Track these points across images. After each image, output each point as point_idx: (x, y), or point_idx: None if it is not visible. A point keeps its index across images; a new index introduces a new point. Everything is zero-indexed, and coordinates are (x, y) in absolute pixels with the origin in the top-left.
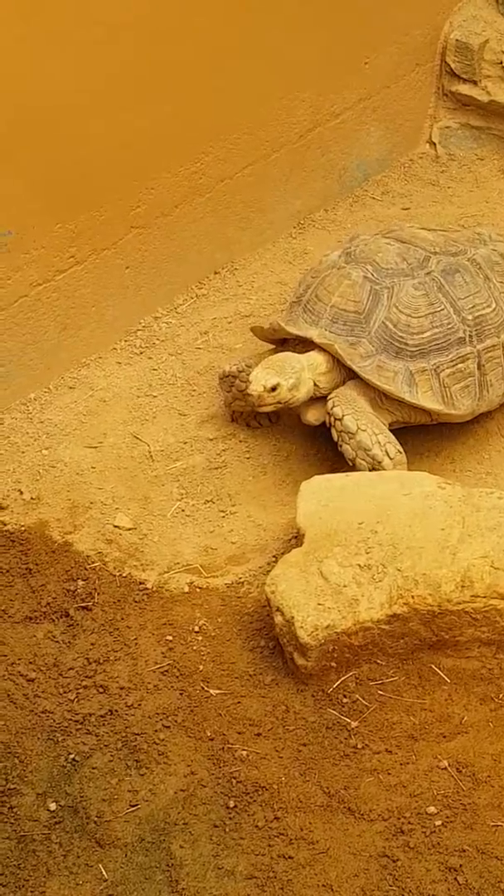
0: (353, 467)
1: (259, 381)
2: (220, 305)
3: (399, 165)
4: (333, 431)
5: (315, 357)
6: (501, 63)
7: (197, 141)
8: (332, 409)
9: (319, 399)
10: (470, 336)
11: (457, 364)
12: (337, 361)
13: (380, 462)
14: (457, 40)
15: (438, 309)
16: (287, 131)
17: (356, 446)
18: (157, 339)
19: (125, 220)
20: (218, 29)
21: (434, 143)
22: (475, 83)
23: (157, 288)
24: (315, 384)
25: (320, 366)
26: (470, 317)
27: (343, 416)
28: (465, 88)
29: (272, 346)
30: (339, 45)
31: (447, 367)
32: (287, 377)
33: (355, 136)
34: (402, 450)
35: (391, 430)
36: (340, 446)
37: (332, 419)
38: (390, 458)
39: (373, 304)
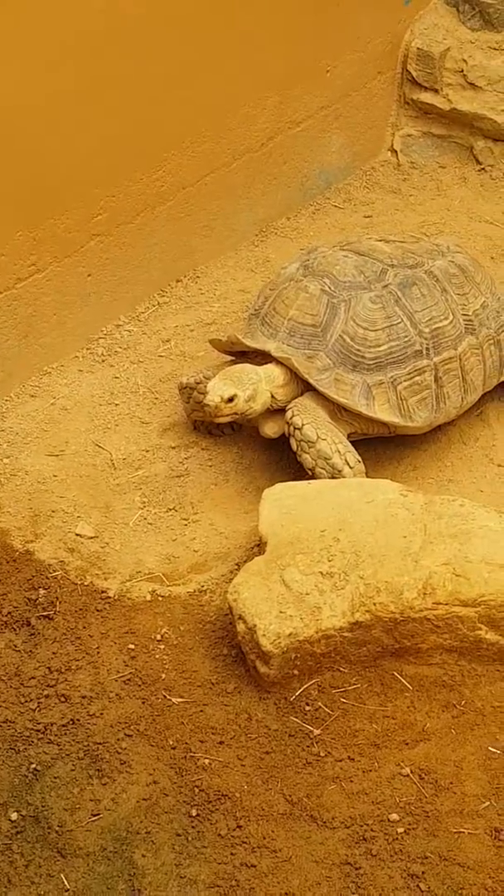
0: (312, 476)
1: (216, 392)
2: (182, 313)
3: (361, 173)
4: (293, 441)
5: (272, 370)
6: (462, 71)
7: (158, 149)
8: (291, 418)
9: (278, 412)
10: (427, 349)
11: (414, 377)
12: (294, 374)
13: (340, 471)
14: (418, 49)
15: (395, 322)
16: (249, 139)
17: (316, 455)
18: (119, 347)
19: (87, 227)
20: (179, 37)
21: (396, 151)
22: (436, 91)
23: (118, 296)
24: (272, 396)
25: (277, 378)
26: (427, 330)
27: (303, 425)
28: (426, 97)
29: (232, 357)
30: (301, 54)
31: (404, 380)
32: (244, 388)
33: (317, 143)
34: (360, 459)
35: (350, 441)
36: (300, 456)
37: (292, 429)
38: (350, 467)
39: (330, 317)
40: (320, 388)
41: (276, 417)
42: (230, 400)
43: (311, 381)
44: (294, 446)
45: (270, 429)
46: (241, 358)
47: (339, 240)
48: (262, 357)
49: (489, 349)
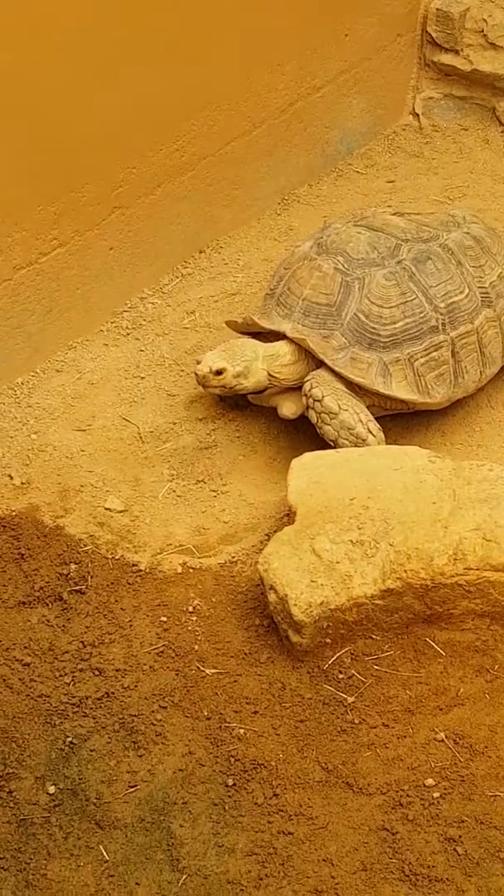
0: (335, 448)
1: (207, 362)
2: (206, 284)
3: (383, 138)
4: (312, 413)
5: (280, 347)
6: (483, 31)
7: (178, 118)
8: (310, 390)
9: (295, 391)
10: (443, 324)
11: (430, 353)
12: (306, 352)
13: (364, 440)
14: (437, 9)
15: (410, 298)
16: (268, 106)
17: (339, 426)
18: (144, 320)
19: (108, 200)
20: (197, 4)
21: (417, 115)
22: (457, 52)
23: (142, 268)
24: (271, 375)
25: (284, 356)
26: (442, 304)
27: (323, 396)
28: (447, 58)
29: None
30: (319, 17)
31: (421, 356)
32: (236, 364)
33: (338, 108)
34: (381, 428)
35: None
36: (321, 428)
37: (312, 401)
38: (374, 436)
39: (344, 295)
40: (336, 368)
41: (295, 398)
42: (218, 373)
43: (327, 360)
44: (314, 419)
45: (289, 409)
46: (258, 337)
47: (353, 214)
48: (276, 336)
49: None
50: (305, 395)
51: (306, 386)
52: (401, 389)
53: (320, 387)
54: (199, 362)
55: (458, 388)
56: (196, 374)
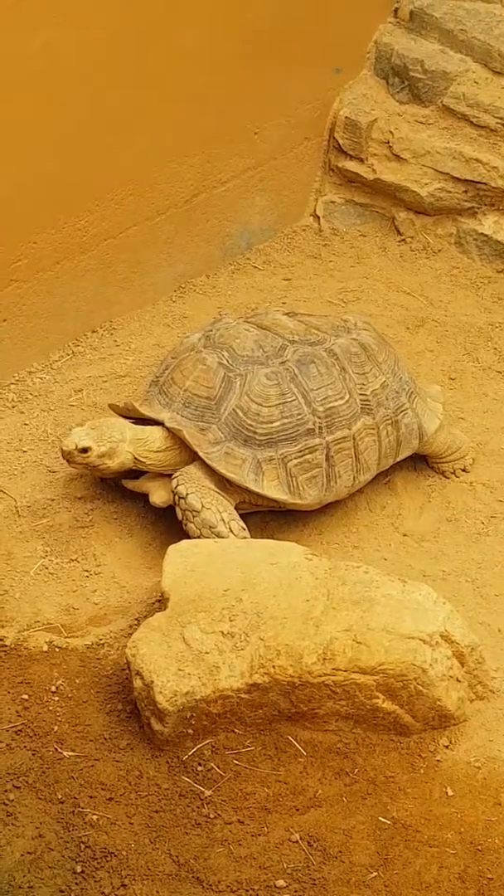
0: None
1: (73, 438)
2: (96, 364)
3: (282, 236)
4: (178, 510)
5: (152, 433)
6: (388, 143)
7: (82, 198)
8: (176, 487)
9: (168, 480)
10: (320, 427)
11: (305, 455)
12: (182, 442)
13: (224, 539)
14: (346, 117)
15: (289, 399)
16: (173, 195)
17: (201, 524)
18: (31, 394)
19: (5, 272)
20: (108, 89)
21: (318, 217)
22: (362, 160)
23: (33, 343)
24: (138, 458)
25: (154, 442)
26: (321, 408)
27: (187, 494)
28: (351, 165)
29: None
30: (230, 114)
31: (295, 457)
32: (101, 444)
33: (241, 204)
34: (245, 527)
35: (241, 513)
36: (185, 525)
37: (177, 497)
38: (235, 535)
39: (225, 390)
40: (210, 462)
41: (167, 486)
42: (84, 451)
43: (200, 453)
44: (179, 515)
45: (160, 497)
46: (138, 421)
47: (247, 310)
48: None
49: (386, 429)
50: (172, 491)
51: (173, 482)
52: (271, 488)
53: (185, 484)
54: (67, 435)
55: (330, 491)
56: (61, 450)
